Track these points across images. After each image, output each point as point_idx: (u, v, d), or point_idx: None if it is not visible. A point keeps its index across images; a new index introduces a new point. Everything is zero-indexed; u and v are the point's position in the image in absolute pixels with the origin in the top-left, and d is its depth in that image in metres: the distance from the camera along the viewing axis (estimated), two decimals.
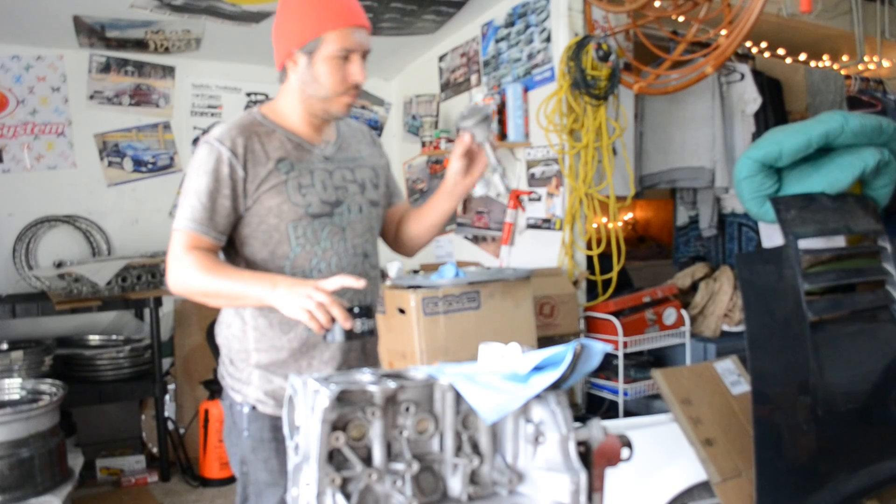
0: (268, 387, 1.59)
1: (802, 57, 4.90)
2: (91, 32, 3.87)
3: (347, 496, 1.00)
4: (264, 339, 1.59)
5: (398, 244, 1.88)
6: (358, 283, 1.38)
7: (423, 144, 4.34)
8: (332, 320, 1.33)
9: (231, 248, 1.61)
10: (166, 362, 3.94)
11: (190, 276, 1.48)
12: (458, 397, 1.08)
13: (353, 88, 1.56)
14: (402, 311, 2.73)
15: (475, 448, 1.09)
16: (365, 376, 1.12)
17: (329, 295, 1.34)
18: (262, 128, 1.59)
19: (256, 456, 1.60)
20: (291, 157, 1.58)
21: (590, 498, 1.02)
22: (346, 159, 1.67)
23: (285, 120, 1.62)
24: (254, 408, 1.60)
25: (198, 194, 1.52)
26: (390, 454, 1.05)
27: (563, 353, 1.06)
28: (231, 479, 3.51)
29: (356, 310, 1.29)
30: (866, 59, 4.86)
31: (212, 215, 1.52)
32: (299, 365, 1.59)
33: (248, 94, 4.55)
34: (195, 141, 4.42)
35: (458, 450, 1.08)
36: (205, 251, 1.51)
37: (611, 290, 3.43)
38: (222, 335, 1.67)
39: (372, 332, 1.30)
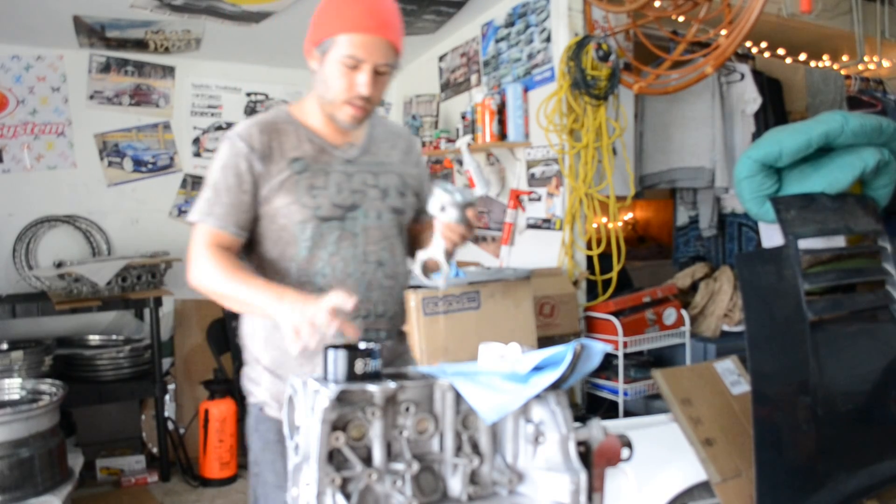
0: (274, 389, 1.57)
1: (802, 57, 4.90)
2: (91, 32, 3.88)
3: (347, 496, 1.00)
4: (272, 340, 1.57)
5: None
6: (346, 305, 1.27)
7: (423, 144, 4.34)
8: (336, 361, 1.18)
9: (247, 245, 1.59)
10: (166, 362, 3.94)
11: (208, 275, 1.46)
12: (458, 397, 1.08)
13: (359, 100, 1.49)
14: None
15: (475, 448, 1.09)
16: None
17: (326, 312, 1.26)
18: (285, 126, 1.57)
19: (265, 457, 1.59)
20: (308, 157, 1.55)
21: (590, 498, 1.02)
22: (370, 163, 1.62)
23: (309, 119, 1.59)
24: (261, 409, 1.60)
25: (217, 189, 1.51)
26: (390, 454, 1.05)
27: (563, 353, 1.06)
28: (231, 479, 3.52)
29: (362, 346, 1.15)
30: (866, 59, 4.86)
31: (231, 210, 1.50)
32: (304, 370, 1.53)
33: (248, 94, 4.55)
34: (195, 141, 4.43)
35: (458, 450, 1.08)
36: (225, 249, 1.50)
37: (611, 290, 3.43)
38: (241, 335, 1.67)
39: (377, 376, 1.14)
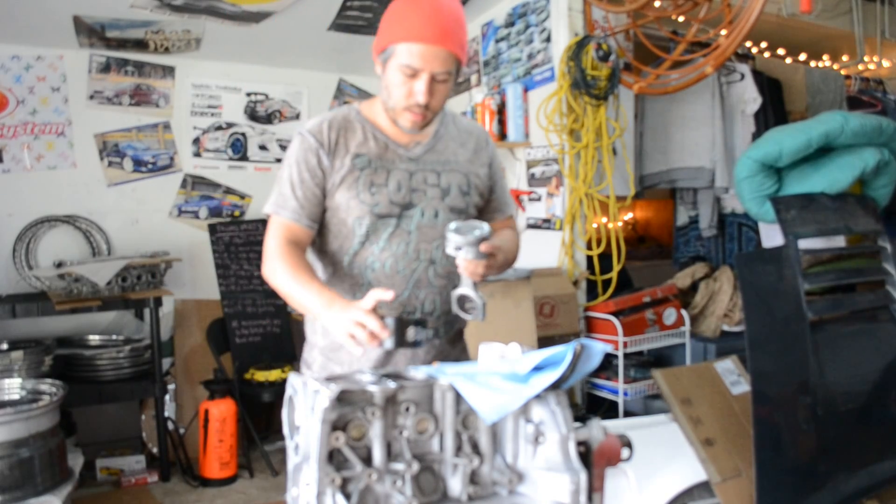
0: (324, 372, 1.63)
1: (802, 57, 4.90)
2: (91, 32, 3.88)
3: (347, 496, 1.00)
4: (328, 328, 1.61)
5: None
6: (385, 296, 1.35)
7: None
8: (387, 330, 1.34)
9: None
10: (166, 362, 3.95)
11: (276, 272, 1.53)
12: (458, 397, 1.08)
13: (417, 107, 1.53)
14: None
15: (475, 448, 1.09)
16: (365, 376, 1.12)
17: (367, 311, 1.33)
18: (354, 123, 1.62)
19: None
20: (371, 153, 1.59)
21: (590, 498, 1.02)
22: (434, 162, 1.64)
23: (377, 117, 1.64)
24: None
25: (290, 183, 1.58)
26: (390, 454, 1.05)
27: (563, 353, 1.06)
28: (231, 479, 3.52)
29: (408, 316, 1.27)
30: (866, 59, 4.86)
31: (304, 204, 1.57)
32: (354, 355, 1.61)
33: (248, 94, 4.55)
34: (195, 141, 4.43)
35: (458, 450, 1.08)
36: (296, 243, 1.57)
37: (611, 290, 3.43)
38: (304, 322, 1.74)
39: (420, 343, 1.29)
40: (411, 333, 1.22)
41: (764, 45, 4.70)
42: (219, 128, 4.48)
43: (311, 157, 1.57)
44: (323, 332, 1.64)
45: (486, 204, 1.75)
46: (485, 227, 1.43)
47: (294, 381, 1.09)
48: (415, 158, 1.62)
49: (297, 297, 1.49)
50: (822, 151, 2.92)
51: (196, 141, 4.43)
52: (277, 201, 1.59)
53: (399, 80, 1.51)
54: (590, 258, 3.50)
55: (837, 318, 2.62)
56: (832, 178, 2.86)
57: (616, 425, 2.41)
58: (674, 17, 3.58)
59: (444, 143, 1.67)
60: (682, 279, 3.60)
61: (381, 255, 1.58)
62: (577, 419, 1.09)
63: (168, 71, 4.30)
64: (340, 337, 1.38)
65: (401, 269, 1.58)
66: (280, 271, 1.52)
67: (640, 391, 3.21)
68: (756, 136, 3.65)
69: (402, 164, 1.61)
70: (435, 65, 1.49)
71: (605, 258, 3.46)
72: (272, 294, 4.19)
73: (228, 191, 4.53)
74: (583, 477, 1.00)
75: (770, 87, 3.99)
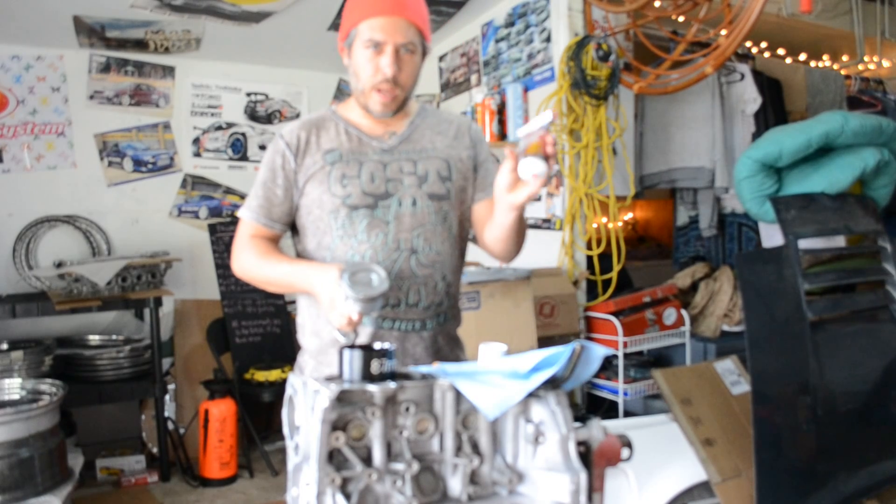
0: (315, 374, 1.61)
1: (802, 57, 4.90)
2: (91, 32, 3.88)
3: (347, 496, 1.00)
4: (315, 330, 1.63)
5: (486, 247, 1.76)
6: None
7: None
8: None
9: (295, 238, 1.69)
10: (166, 362, 3.95)
11: (249, 262, 1.59)
12: (458, 397, 1.08)
13: (386, 83, 1.52)
14: None
15: (475, 448, 1.09)
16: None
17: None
18: (327, 122, 1.63)
19: None
20: (342, 147, 1.59)
21: (590, 498, 1.02)
22: (410, 151, 1.63)
23: (350, 113, 1.64)
24: None
25: (257, 184, 1.63)
26: (390, 454, 1.05)
27: (563, 353, 1.06)
28: (231, 479, 3.51)
29: (377, 347, 1.17)
30: (866, 59, 4.86)
31: (266, 205, 1.61)
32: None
33: (248, 94, 4.55)
34: (195, 141, 4.43)
35: (458, 450, 1.08)
36: (265, 239, 1.61)
37: (611, 290, 3.43)
38: (297, 327, 1.75)
39: (393, 376, 1.13)
40: (375, 366, 1.12)
41: (764, 45, 4.70)
42: (219, 128, 4.48)
43: (276, 158, 1.60)
44: (312, 334, 1.64)
45: (472, 183, 1.70)
46: (384, 281, 1.35)
47: (294, 382, 1.09)
48: (389, 150, 1.61)
49: (271, 275, 1.55)
50: (822, 151, 2.92)
51: (196, 141, 4.43)
52: (247, 203, 1.64)
53: (365, 57, 1.52)
54: (590, 258, 3.49)
55: (837, 318, 2.62)
56: (832, 178, 2.86)
57: (616, 425, 2.41)
58: (674, 17, 3.58)
59: (420, 132, 1.66)
60: (682, 279, 3.60)
61: (359, 248, 1.55)
62: (577, 419, 1.09)
63: (168, 71, 4.31)
64: (323, 311, 1.42)
65: (381, 260, 1.55)
66: (254, 259, 1.57)
67: (640, 391, 3.21)
68: (756, 136, 3.65)
69: (376, 155, 1.60)
70: (397, 36, 1.50)
71: (605, 258, 3.46)
72: (272, 294, 4.19)
73: (228, 191, 4.53)
74: (583, 477, 1.00)
75: (770, 87, 3.99)
